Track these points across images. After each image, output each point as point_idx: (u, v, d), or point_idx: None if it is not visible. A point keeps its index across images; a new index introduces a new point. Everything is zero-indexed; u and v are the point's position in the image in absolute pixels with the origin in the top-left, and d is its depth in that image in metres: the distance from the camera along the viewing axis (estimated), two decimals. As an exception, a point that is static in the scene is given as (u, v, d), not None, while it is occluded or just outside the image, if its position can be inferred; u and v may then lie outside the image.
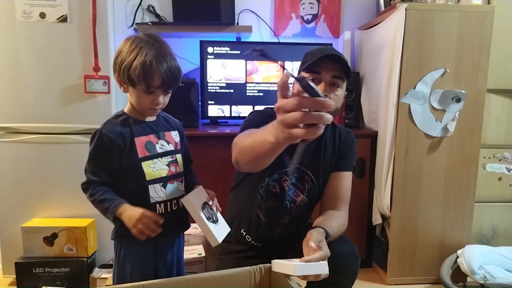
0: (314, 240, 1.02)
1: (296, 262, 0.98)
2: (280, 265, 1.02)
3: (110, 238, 1.13)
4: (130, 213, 1.02)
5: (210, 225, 1.08)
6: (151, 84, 1.01)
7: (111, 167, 1.06)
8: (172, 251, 1.17)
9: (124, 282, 1.08)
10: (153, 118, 1.13)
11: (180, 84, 2.21)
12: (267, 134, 0.80)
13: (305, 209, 1.31)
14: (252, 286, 1.10)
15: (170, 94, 1.09)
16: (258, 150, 0.86)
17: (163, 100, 1.07)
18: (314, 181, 1.27)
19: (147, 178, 1.08)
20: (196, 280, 1.07)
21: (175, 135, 1.16)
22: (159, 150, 1.10)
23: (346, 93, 1.25)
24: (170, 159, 1.12)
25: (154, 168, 1.09)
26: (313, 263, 0.97)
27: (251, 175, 1.28)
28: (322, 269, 0.97)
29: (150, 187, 1.08)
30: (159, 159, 1.10)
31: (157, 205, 1.09)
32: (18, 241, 1.73)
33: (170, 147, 1.13)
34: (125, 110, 1.11)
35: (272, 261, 1.05)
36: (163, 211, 1.10)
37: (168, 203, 1.11)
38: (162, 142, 1.12)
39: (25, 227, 1.73)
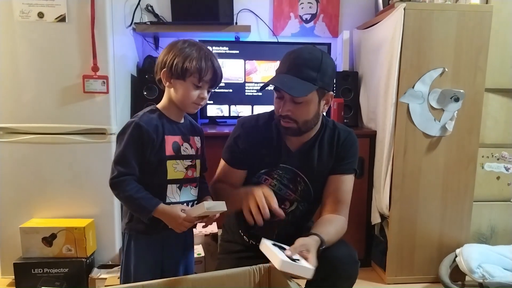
0: (300, 245, 1.03)
1: (285, 253, 0.99)
2: (268, 250, 1.02)
3: (121, 229, 1.19)
4: (171, 214, 1.06)
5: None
6: (203, 77, 1.07)
7: (141, 159, 1.07)
8: (178, 249, 1.19)
9: (131, 271, 1.13)
10: (182, 121, 1.17)
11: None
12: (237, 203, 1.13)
13: (303, 212, 1.30)
14: (252, 286, 1.10)
15: (208, 95, 1.14)
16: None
17: (203, 97, 1.12)
18: (307, 183, 1.27)
19: (169, 177, 1.11)
20: (196, 280, 1.07)
21: (197, 141, 1.20)
22: (183, 153, 1.14)
23: (329, 100, 1.21)
24: (190, 163, 1.15)
25: (176, 169, 1.12)
26: (301, 264, 0.97)
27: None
28: (307, 273, 0.96)
29: (169, 186, 1.11)
30: (181, 161, 1.13)
31: (170, 205, 1.11)
32: (16, 241, 1.73)
33: (192, 152, 1.17)
34: (159, 107, 1.14)
35: (262, 239, 1.06)
36: None
37: (180, 205, 1.13)
38: (186, 145, 1.15)
39: (24, 228, 1.72)
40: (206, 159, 1.26)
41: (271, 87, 1.21)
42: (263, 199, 1.07)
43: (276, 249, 1.01)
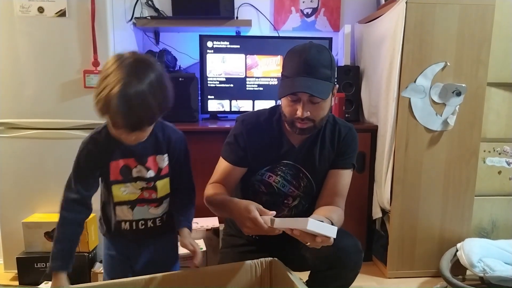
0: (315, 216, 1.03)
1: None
2: (287, 221, 0.99)
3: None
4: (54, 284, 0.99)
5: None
6: (112, 121, 0.91)
7: (88, 181, 1.04)
8: (146, 259, 1.17)
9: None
10: (142, 139, 1.01)
11: (180, 79, 2.21)
12: (229, 212, 1.11)
13: (305, 207, 1.31)
14: (253, 280, 1.10)
15: (147, 130, 0.97)
16: (222, 214, 1.22)
17: (132, 137, 0.95)
18: (310, 178, 1.27)
19: (115, 200, 1.07)
20: (197, 274, 1.08)
21: (161, 160, 1.07)
22: (135, 175, 1.06)
23: (335, 93, 1.21)
24: (145, 185, 1.07)
25: (125, 192, 1.06)
26: (325, 224, 0.96)
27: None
28: (332, 232, 0.95)
29: (118, 207, 1.08)
30: (133, 183, 1.06)
31: (123, 223, 1.11)
32: (19, 236, 1.74)
33: (150, 174, 1.06)
34: None
35: (274, 218, 1.01)
36: (128, 228, 1.11)
37: (134, 222, 1.11)
38: (140, 167, 1.05)
39: (26, 223, 1.73)
40: (187, 172, 1.13)
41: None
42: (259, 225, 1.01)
43: (292, 218, 1.00)
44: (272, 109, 1.31)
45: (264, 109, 1.33)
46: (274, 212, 1.04)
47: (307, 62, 1.11)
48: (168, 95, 0.94)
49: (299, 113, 1.13)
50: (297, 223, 0.95)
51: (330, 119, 1.29)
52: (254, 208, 1.02)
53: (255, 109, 2.16)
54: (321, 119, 1.19)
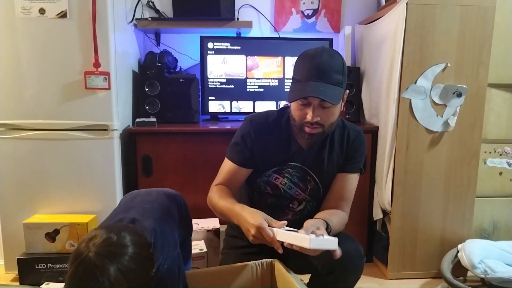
0: (310, 225, 1.03)
1: (302, 233, 0.97)
2: (288, 237, 0.99)
3: None
4: None
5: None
6: None
7: None
8: None
9: None
10: None
11: (181, 80, 2.21)
12: (234, 218, 1.11)
13: (310, 211, 1.30)
14: (254, 281, 1.10)
15: None
16: (226, 218, 1.18)
17: None
18: (317, 181, 1.27)
19: None
20: (198, 275, 1.08)
21: None
22: None
23: (345, 98, 1.20)
24: None
25: None
26: (326, 238, 0.97)
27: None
28: (333, 244, 0.97)
29: None
30: None
31: None
32: (20, 237, 1.74)
33: None
34: None
35: (275, 229, 1.02)
36: None
37: None
38: None
39: (27, 223, 1.73)
40: None
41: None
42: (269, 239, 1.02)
43: (293, 233, 1.00)
44: (281, 110, 1.30)
45: (273, 110, 1.32)
46: (285, 222, 1.04)
47: (319, 67, 1.10)
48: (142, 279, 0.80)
49: (309, 117, 1.12)
50: (299, 240, 0.96)
51: (339, 122, 1.28)
52: (262, 217, 1.03)
53: (256, 110, 2.18)
54: (331, 124, 1.18)
